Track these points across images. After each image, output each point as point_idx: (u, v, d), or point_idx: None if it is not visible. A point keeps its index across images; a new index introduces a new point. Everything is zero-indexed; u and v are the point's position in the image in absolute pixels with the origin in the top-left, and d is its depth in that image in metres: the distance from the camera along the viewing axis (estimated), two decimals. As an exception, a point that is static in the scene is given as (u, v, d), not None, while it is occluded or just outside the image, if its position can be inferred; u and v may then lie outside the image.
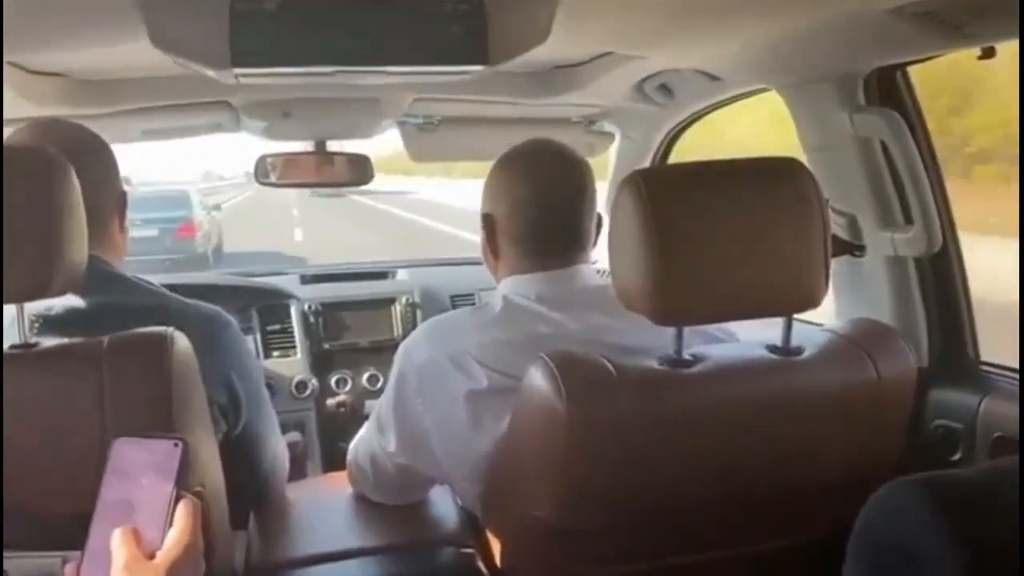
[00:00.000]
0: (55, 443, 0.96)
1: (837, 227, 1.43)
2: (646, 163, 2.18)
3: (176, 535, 0.80)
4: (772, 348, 1.11)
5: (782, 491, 1.13)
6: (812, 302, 1.07)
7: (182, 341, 1.03)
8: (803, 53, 1.32)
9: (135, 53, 1.31)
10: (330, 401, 2.36)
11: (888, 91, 1.34)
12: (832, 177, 1.39)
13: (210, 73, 1.17)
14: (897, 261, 1.39)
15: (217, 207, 14.40)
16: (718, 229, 1.03)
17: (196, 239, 11.94)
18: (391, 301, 2.46)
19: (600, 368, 1.03)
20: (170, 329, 1.03)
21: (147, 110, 1.71)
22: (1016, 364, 1.37)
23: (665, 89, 1.78)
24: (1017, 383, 1.33)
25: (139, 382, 0.98)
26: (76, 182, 0.99)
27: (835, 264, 1.45)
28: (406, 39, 1.11)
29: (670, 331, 1.06)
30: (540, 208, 1.29)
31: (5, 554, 0.98)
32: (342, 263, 2.88)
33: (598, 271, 1.37)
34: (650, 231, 1.00)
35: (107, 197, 1.29)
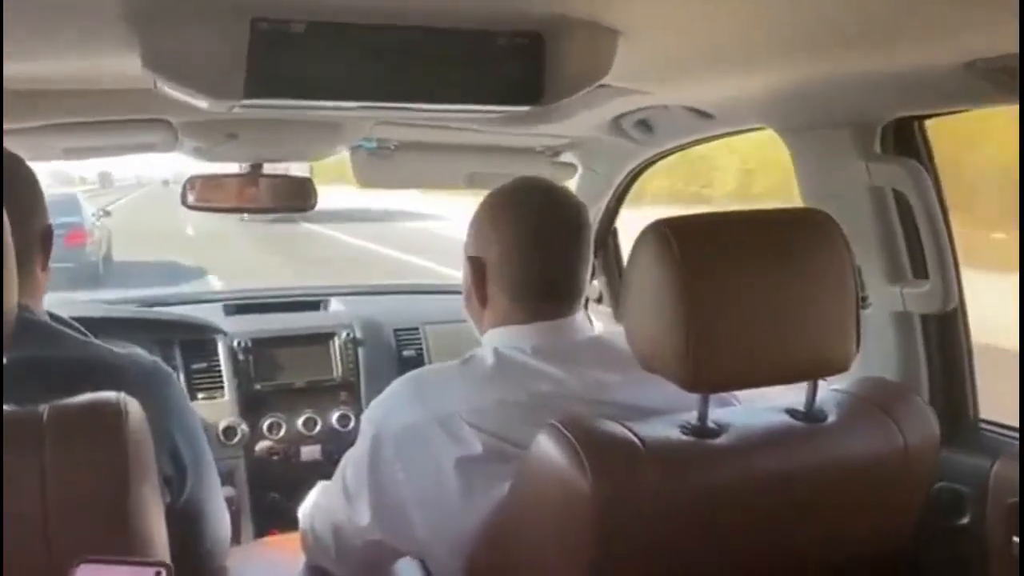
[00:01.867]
0: None
1: None
2: (606, 197, 2.09)
3: None
4: (793, 412, 1.04)
5: (810, 564, 1.06)
6: (843, 364, 1.02)
7: (134, 408, 0.88)
8: (819, 98, 1.26)
9: (68, 62, 1.12)
10: (261, 447, 2.14)
11: (905, 140, 1.29)
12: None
13: (202, 105, 0.99)
14: (904, 316, 1.34)
15: (106, 212, 13.57)
16: (751, 288, 0.95)
17: (87, 246, 11.29)
18: (329, 336, 2.27)
19: (624, 439, 0.94)
20: (120, 395, 0.88)
21: (74, 126, 1.49)
22: (1014, 422, 1.34)
23: (644, 125, 1.69)
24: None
25: (90, 459, 0.83)
26: (4, 217, 0.82)
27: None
28: (453, 73, 0.96)
29: (672, 388, 0.98)
30: (537, 255, 1.18)
31: None
32: (268, 290, 2.66)
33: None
34: (682, 289, 0.92)
35: (32, 234, 1.12)
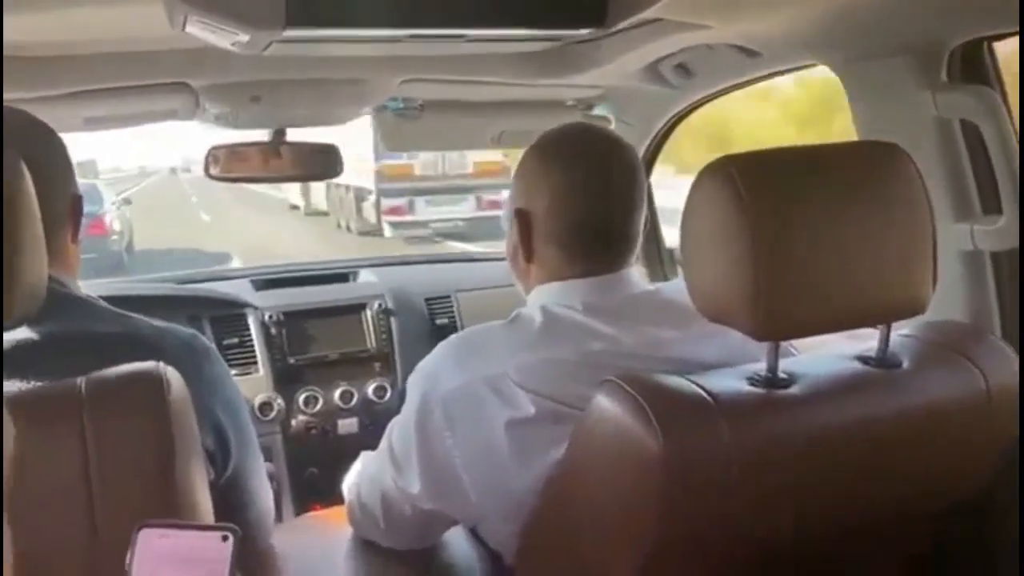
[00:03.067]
0: (25, 517, 0.73)
1: None
2: (641, 151, 2.01)
3: None
4: (866, 359, 0.98)
5: (891, 516, 1.02)
6: (919, 308, 0.96)
7: (176, 378, 0.87)
8: (878, 23, 1.18)
9: (79, 20, 1.07)
10: (298, 422, 2.10)
11: (975, 66, 1.21)
12: None
13: (243, 38, 0.93)
14: (973, 256, 1.26)
15: (127, 200, 13.51)
16: (822, 228, 0.89)
17: (109, 236, 11.12)
18: (361, 307, 2.22)
19: (692, 394, 0.89)
20: (160, 365, 0.87)
21: (91, 94, 1.44)
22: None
23: (683, 69, 1.61)
24: None
25: (132, 430, 0.82)
26: (29, 183, 0.79)
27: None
28: None
29: (733, 342, 0.96)
30: (588, 203, 1.13)
31: None
32: (296, 264, 2.62)
33: None
34: (750, 230, 0.86)
35: (61, 201, 1.09)
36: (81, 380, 0.82)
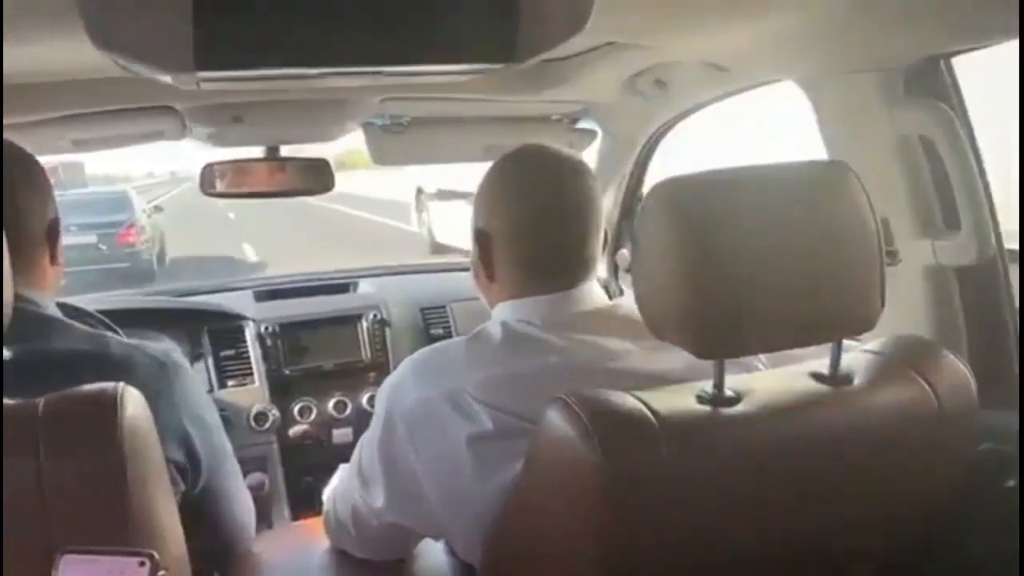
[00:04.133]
0: None
1: None
2: (630, 162, 2.02)
3: None
4: (818, 376, 0.98)
5: (841, 535, 1.01)
6: (868, 323, 0.96)
7: (133, 398, 0.88)
8: (837, 42, 1.19)
9: (65, 52, 1.11)
10: (293, 432, 2.14)
11: (931, 82, 1.21)
12: (864, 179, 1.26)
13: (166, 79, 0.96)
14: (937, 271, 1.26)
15: (158, 208, 13.28)
16: (763, 246, 0.90)
17: (139, 244, 10.88)
18: (357, 318, 2.25)
19: (634, 411, 0.89)
20: (119, 385, 0.87)
21: (79, 117, 1.48)
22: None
23: (660, 84, 1.62)
24: None
25: (84, 452, 0.82)
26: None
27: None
28: (417, 32, 0.90)
29: (689, 354, 0.93)
30: (543, 222, 1.14)
31: None
32: (299, 275, 2.66)
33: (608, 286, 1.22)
34: (687, 251, 0.88)
35: (36, 224, 1.11)
36: (40, 400, 0.84)
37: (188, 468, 1.13)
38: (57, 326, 1.10)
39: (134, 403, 0.87)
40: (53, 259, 1.15)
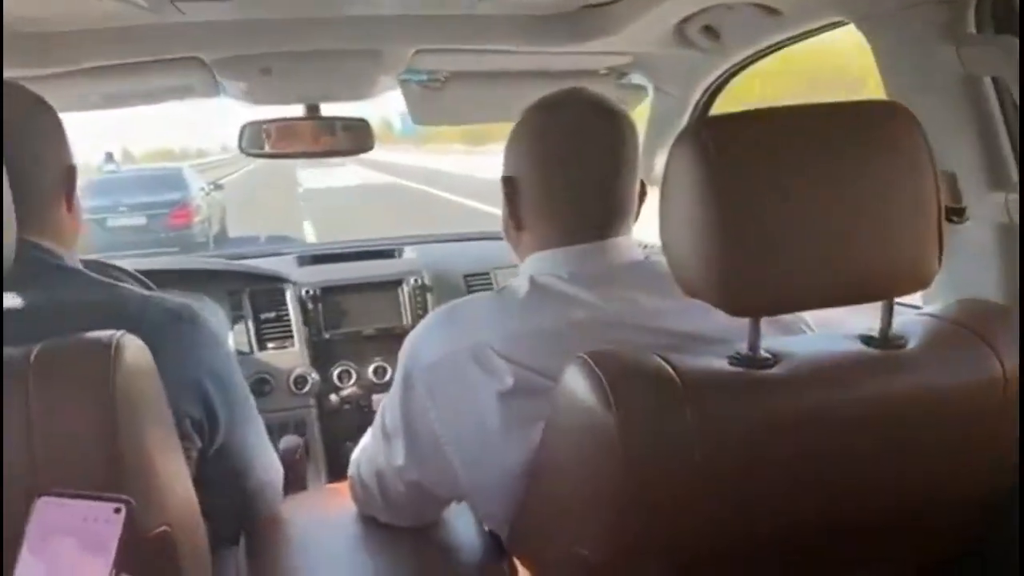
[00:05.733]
0: None
1: None
2: (683, 121, 1.92)
3: None
4: (867, 339, 0.90)
5: (884, 515, 0.94)
6: (921, 282, 0.87)
7: (133, 347, 0.85)
8: None
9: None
10: (333, 397, 2.14)
11: (1005, 15, 1.09)
12: (928, 127, 1.15)
13: (140, 3, 0.92)
14: (1011, 229, 1.15)
15: (218, 185, 12.63)
16: (804, 194, 0.82)
17: (193, 225, 10.17)
18: (398, 283, 2.22)
19: (658, 374, 0.83)
20: (117, 333, 0.85)
21: (106, 70, 1.47)
22: None
23: (710, 31, 1.53)
24: None
25: (74, 403, 0.80)
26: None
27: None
28: None
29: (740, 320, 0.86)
30: (574, 167, 1.09)
31: None
32: (345, 242, 2.65)
33: (644, 245, 1.15)
34: (718, 197, 0.80)
35: (49, 171, 1.09)
36: (35, 347, 0.82)
37: (204, 423, 1.11)
38: (72, 276, 1.08)
39: (133, 352, 0.84)
40: (70, 207, 1.13)
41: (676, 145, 0.84)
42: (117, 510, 0.64)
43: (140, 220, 9.64)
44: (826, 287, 0.85)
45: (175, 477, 0.92)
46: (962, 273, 1.22)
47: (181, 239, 9.72)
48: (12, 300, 0.99)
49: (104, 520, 0.63)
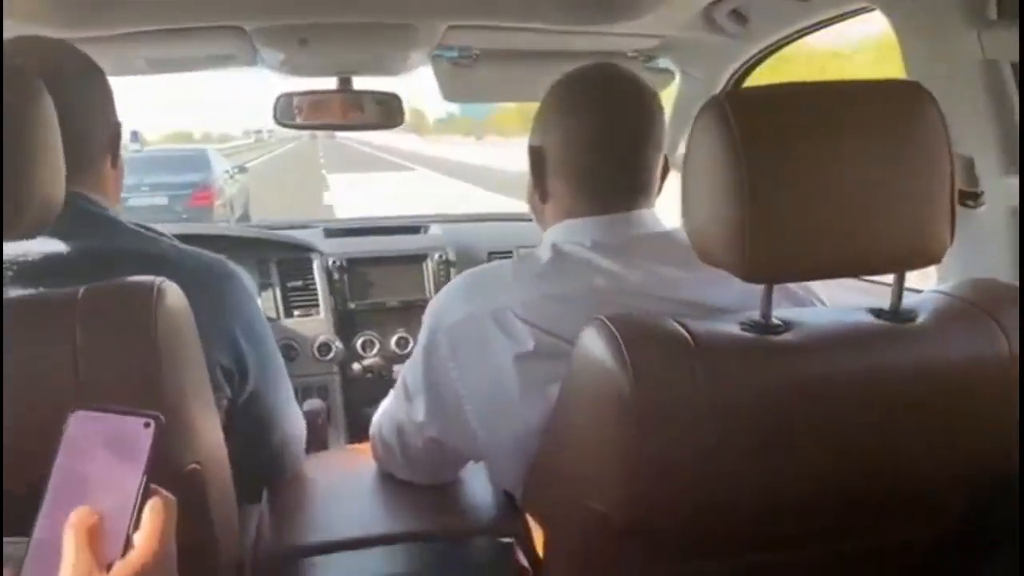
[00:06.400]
0: (23, 409, 0.82)
1: None
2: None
3: (141, 542, 0.62)
4: (878, 312, 0.92)
5: (887, 482, 0.95)
6: (933, 257, 0.89)
7: (173, 292, 0.89)
8: None
9: None
10: (356, 366, 2.20)
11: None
12: (948, 111, 1.17)
13: None
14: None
15: (242, 168, 12.66)
16: (823, 166, 0.84)
17: (214, 207, 10.09)
18: (423, 257, 2.28)
19: (672, 334, 0.86)
20: (159, 278, 0.89)
21: (151, 35, 1.52)
22: None
23: (738, 15, 1.55)
24: None
25: (119, 340, 0.84)
26: (50, 104, 0.84)
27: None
28: None
29: (751, 288, 0.88)
30: (600, 140, 1.11)
31: None
32: (371, 216, 2.70)
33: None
34: (738, 166, 0.82)
35: (97, 128, 1.13)
36: (82, 288, 0.86)
37: (235, 373, 1.15)
38: (115, 225, 1.12)
39: (173, 297, 0.88)
40: (114, 163, 1.18)
41: (699, 116, 0.86)
42: (147, 424, 0.65)
43: (162, 200, 9.54)
44: (839, 257, 0.87)
45: (207, 420, 0.96)
46: (977, 256, 1.24)
47: (200, 220, 9.44)
48: (60, 245, 1.03)
49: (135, 433, 0.65)
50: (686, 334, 0.85)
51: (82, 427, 0.65)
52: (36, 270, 1.00)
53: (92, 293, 0.85)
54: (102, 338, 0.84)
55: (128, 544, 0.62)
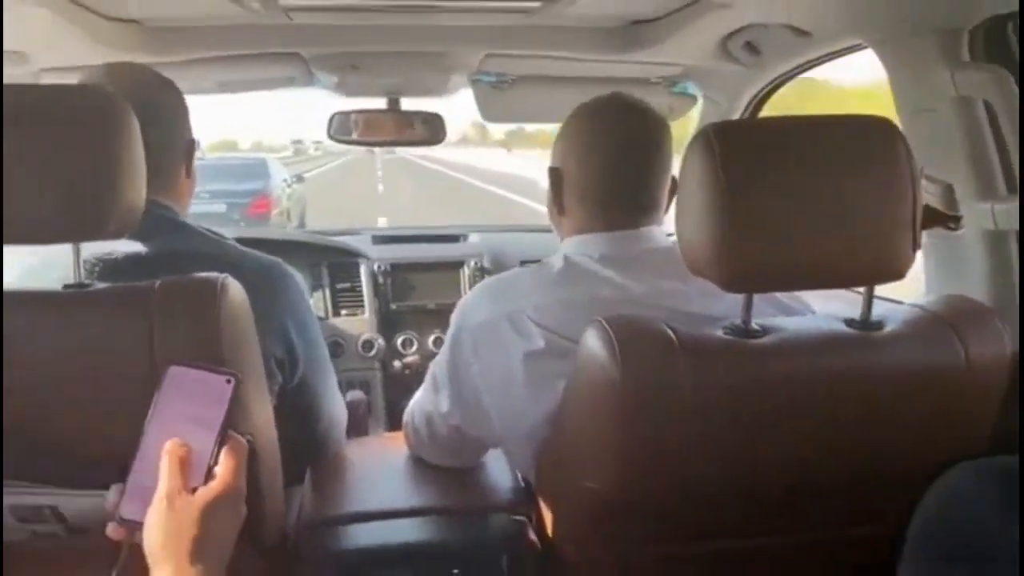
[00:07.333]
0: (103, 384, 0.96)
1: (931, 196, 1.31)
2: (730, 128, 2.07)
3: (220, 474, 0.77)
4: (849, 321, 1.03)
5: (851, 477, 1.06)
6: (896, 272, 0.99)
7: (235, 288, 1.02)
8: (901, 2, 1.22)
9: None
10: (396, 363, 2.37)
11: (996, 46, 1.22)
12: (929, 142, 1.28)
13: (255, 5, 1.13)
14: (997, 235, 1.27)
15: (300, 178, 12.89)
16: (796, 189, 0.95)
17: (272, 216, 10.25)
18: (459, 264, 2.45)
19: (659, 334, 0.97)
20: (223, 275, 1.01)
21: (221, 60, 1.71)
22: None
23: (751, 47, 1.68)
24: None
25: (187, 328, 0.97)
26: (135, 124, 0.98)
27: (927, 237, 1.35)
28: None
29: (737, 300, 1.00)
30: (610, 162, 1.23)
31: (52, 490, 1.00)
32: (417, 226, 2.87)
33: (668, 235, 1.30)
34: (719, 187, 0.94)
35: (174, 142, 1.28)
36: (158, 281, 0.99)
37: (286, 362, 1.29)
38: (186, 230, 1.27)
39: (235, 292, 1.01)
40: (188, 173, 1.33)
41: (689, 145, 0.98)
42: (228, 380, 0.80)
43: (220, 208, 9.71)
44: (811, 271, 0.98)
45: (259, 400, 1.08)
46: (956, 273, 1.34)
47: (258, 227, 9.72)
48: (139, 246, 1.18)
49: (219, 387, 0.80)
50: (672, 335, 0.97)
51: (177, 379, 0.80)
52: (118, 266, 1.15)
53: (166, 285, 0.98)
54: (173, 323, 0.96)
55: (209, 475, 0.77)
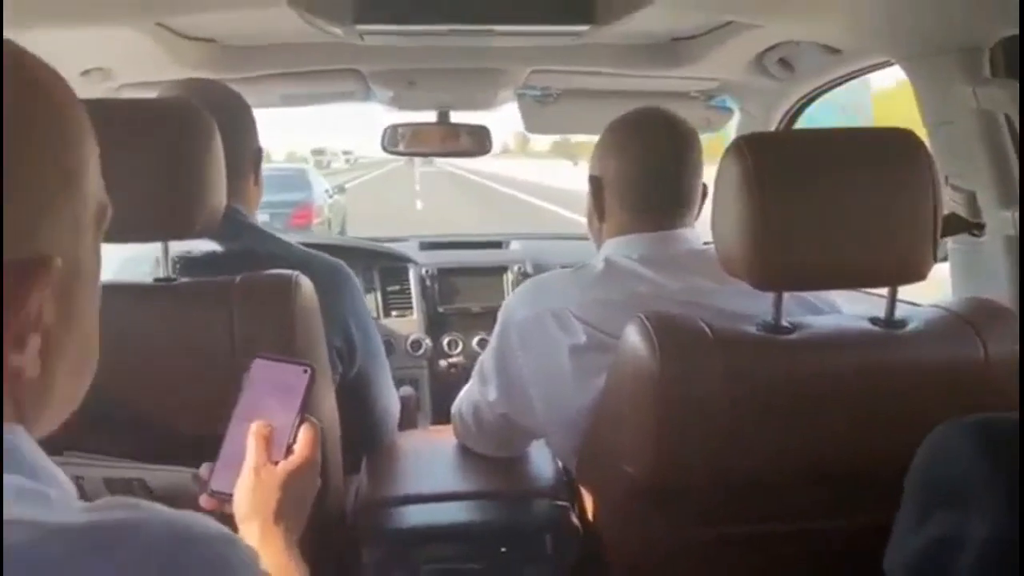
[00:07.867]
0: (189, 368, 1.05)
1: (956, 204, 1.38)
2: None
3: (299, 448, 0.87)
4: (874, 320, 1.09)
5: (876, 465, 1.07)
6: (918, 274, 1.05)
7: (306, 284, 1.11)
8: (926, 22, 1.29)
9: (274, 20, 1.41)
10: (443, 362, 2.47)
11: (1014, 62, 1.29)
12: (953, 153, 1.35)
13: (336, 30, 1.24)
14: (1016, 242, 1.34)
15: (341, 188, 13.18)
16: (823, 195, 1.02)
17: (313, 226, 10.28)
18: (503, 269, 2.55)
19: (695, 329, 1.04)
20: (296, 272, 1.11)
21: (285, 76, 1.83)
22: None
23: (785, 63, 1.76)
24: None
25: (266, 318, 1.06)
26: (218, 134, 1.08)
27: (952, 243, 1.43)
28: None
29: (772, 299, 1.06)
30: (645, 172, 1.31)
31: (139, 465, 1.08)
32: (459, 232, 2.98)
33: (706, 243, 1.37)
34: (752, 193, 1.00)
35: (245, 153, 1.38)
36: (238, 277, 1.09)
37: (346, 353, 1.38)
38: (257, 232, 1.38)
39: (306, 287, 1.11)
40: (256, 180, 1.44)
41: (724, 154, 1.06)
42: (305, 371, 0.90)
43: (263, 217, 9.35)
44: (838, 271, 1.04)
45: (324, 386, 1.17)
46: (980, 278, 1.41)
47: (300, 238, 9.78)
48: (215, 245, 1.28)
49: (296, 375, 0.89)
50: (708, 330, 1.04)
51: (261, 369, 0.90)
52: (198, 263, 1.24)
53: (246, 280, 1.08)
54: (252, 313, 1.05)
55: (289, 451, 0.87)
